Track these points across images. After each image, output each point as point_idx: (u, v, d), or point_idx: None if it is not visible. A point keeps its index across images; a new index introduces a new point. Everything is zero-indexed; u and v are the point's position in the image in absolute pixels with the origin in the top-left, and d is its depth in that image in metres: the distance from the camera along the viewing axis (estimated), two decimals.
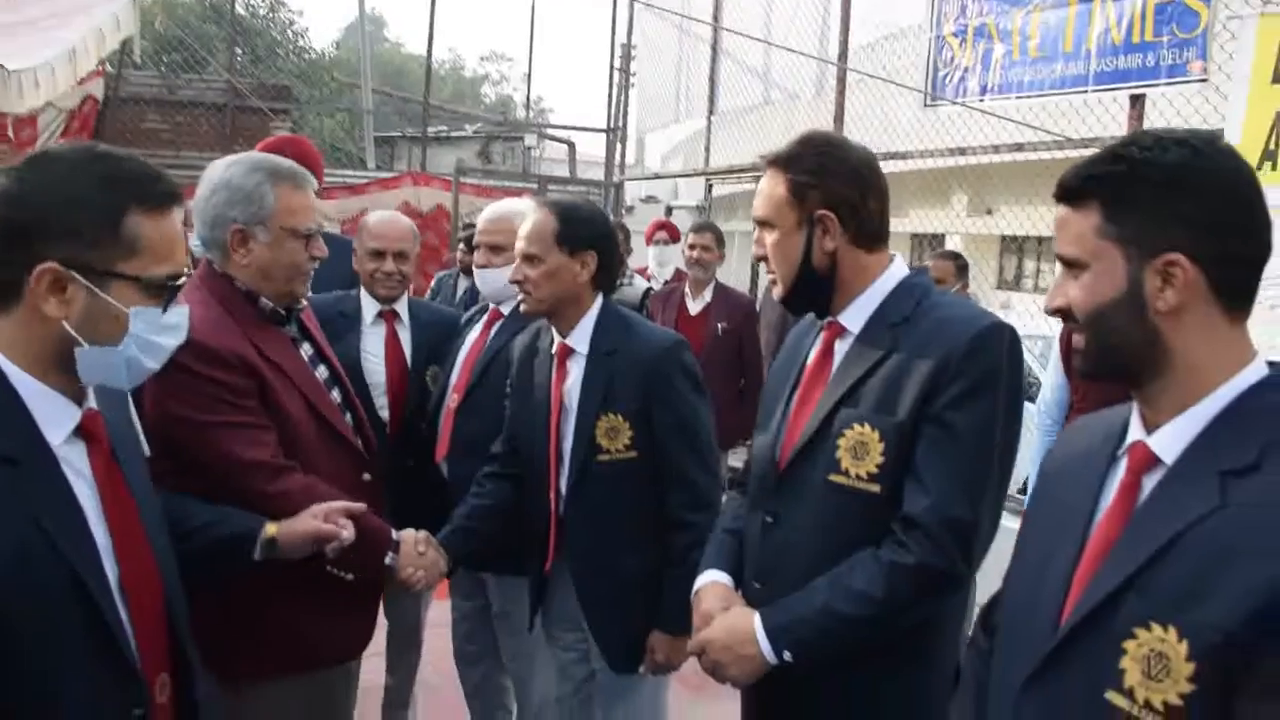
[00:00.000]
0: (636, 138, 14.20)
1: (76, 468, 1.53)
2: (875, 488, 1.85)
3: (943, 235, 20.35)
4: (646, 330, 2.75)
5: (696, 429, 2.63)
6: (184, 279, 1.61)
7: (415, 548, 2.51)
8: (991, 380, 1.81)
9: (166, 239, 1.55)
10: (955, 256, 5.50)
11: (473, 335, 3.24)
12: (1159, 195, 1.30)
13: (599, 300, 2.70)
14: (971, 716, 1.54)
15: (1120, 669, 1.25)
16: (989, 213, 17.23)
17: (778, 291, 2.03)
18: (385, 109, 21.06)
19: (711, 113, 9.83)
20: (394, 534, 2.47)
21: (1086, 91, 5.38)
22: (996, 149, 6.04)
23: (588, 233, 2.65)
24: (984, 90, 6.00)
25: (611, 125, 12.69)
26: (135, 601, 1.56)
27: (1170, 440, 1.31)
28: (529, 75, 17.55)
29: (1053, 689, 1.34)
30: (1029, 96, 5.72)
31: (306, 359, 2.48)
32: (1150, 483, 1.33)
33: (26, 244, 1.45)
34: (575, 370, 2.66)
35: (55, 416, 1.51)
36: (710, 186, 9.93)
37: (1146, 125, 5.14)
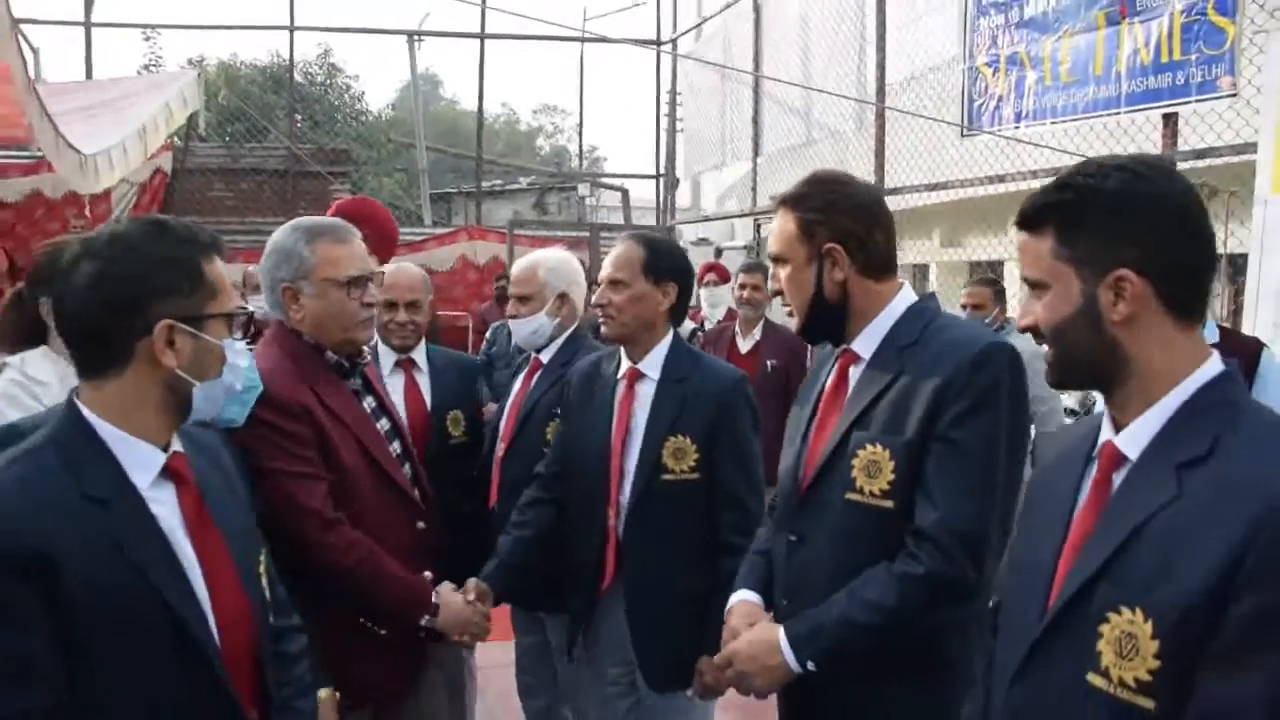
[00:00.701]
0: (692, 181, 14.40)
1: (167, 507, 1.66)
2: (889, 503, 1.96)
3: (1001, 262, 20.24)
4: (713, 363, 2.93)
5: (753, 459, 2.76)
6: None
7: (459, 601, 2.59)
8: (993, 397, 1.91)
9: (225, 277, 1.74)
10: (993, 282, 5.55)
11: (517, 385, 3.39)
12: (1104, 218, 1.42)
13: (671, 330, 2.87)
14: (980, 714, 1.63)
15: (1098, 652, 1.35)
16: None
17: (795, 323, 2.16)
18: (442, 166, 21.59)
19: (757, 154, 9.99)
20: (435, 595, 2.54)
21: (1119, 113, 5.42)
22: (1035, 174, 6.08)
23: (670, 265, 2.84)
24: (1019, 117, 6.07)
25: (660, 171, 12.93)
26: (225, 633, 1.67)
27: (1134, 438, 1.43)
28: (580, 125, 17.97)
29: (1040, 675, 1.44)
30: (1063, 121, 5.77)
31: (369, 411, 2.59)
32: (1119, 478, 1.44)
33: (142, 310, 1.62)
34: (644, 393, 2.80)
35: (141, 461, 1.65)
36: (759, 226, 10.06)
37: (1181, 143, 5.16)
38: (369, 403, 2.62)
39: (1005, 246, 15.46)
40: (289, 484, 2.34)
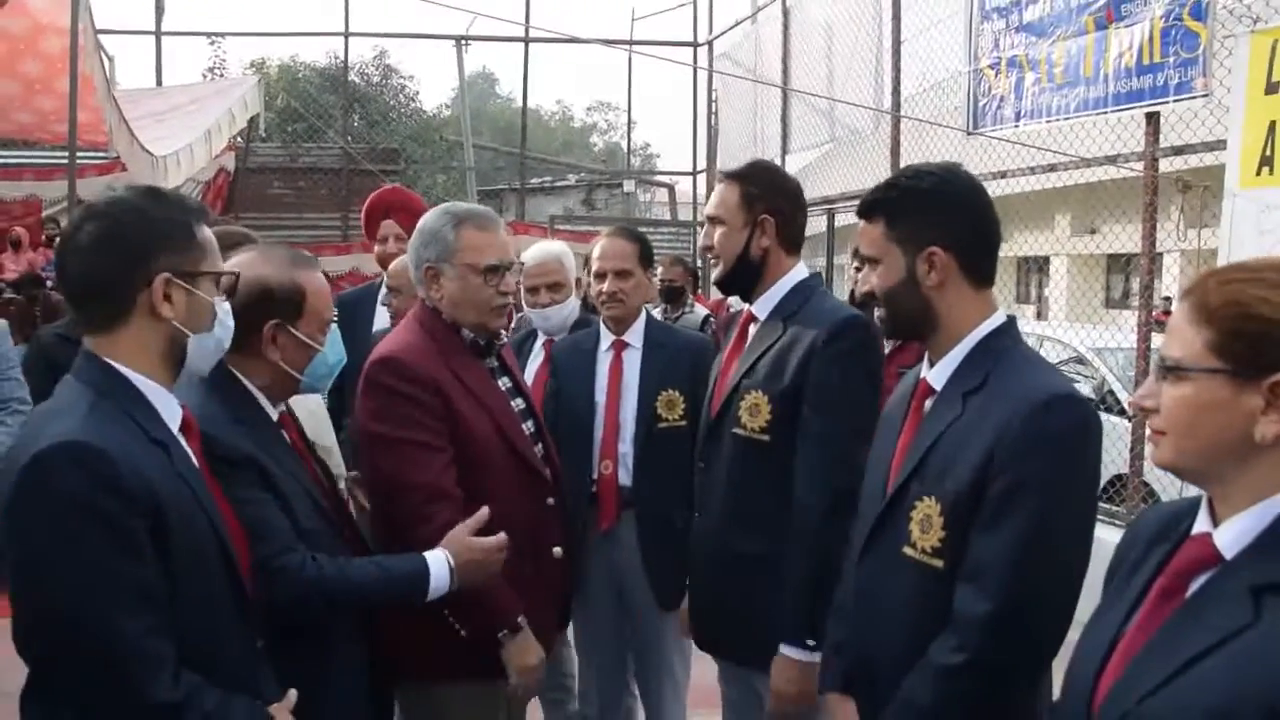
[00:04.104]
0: None
1: (189, 451, 1.82)
2: (766, 438, 2.48)
3: (1047, 258, 20.26)
4: (683, 331, 3.48)
5: None
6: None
7: (534, 649, 2.50)
8: (848, 358, 2.44)
9: (214, 241, 1.86)
10: None
11: (535, 365, 3.65)
12: (920, 209, 1.91)
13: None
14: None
15: (909, 530, 1.85)
16: (1093, 232, 17.20)
17: (718, 272, 2.63)
18: (498, 163, 22.22)
19: (785, 152, 10.39)
20: (523, 619, 2.47)
21: (1107, 112, 5.77)
22: (1032, 170, 6.44)
23: (651, 253, 3.35)
24: (1018, 116, 6.42)
25: (699, 168, 13.38)
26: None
27: (938, 375, 1.92)
28: (629, 123, 18.56)
29: (876, 551, 1.95)
30: (1057, 120, 6.12)
31: (504, 390, 2.66)
32: (929, 405, 1.93)
33: (145, 264, 1.73)
34: (631, 359, 3.26)
35: (170, 409, 1.79)
36: None
37: (1161, 140, 5.49)
38: (504, 382, 2.69)
39: (1052, 241, 15.53)
40: (398, 450, 2.41)
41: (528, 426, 2.68)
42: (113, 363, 1.74)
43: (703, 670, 3.12)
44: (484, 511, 2.30)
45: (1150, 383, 1.37)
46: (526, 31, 12.38)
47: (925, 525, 1.81)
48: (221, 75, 17.65)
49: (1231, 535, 1.29)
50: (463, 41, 12.93)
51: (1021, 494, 1.70)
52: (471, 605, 2.39)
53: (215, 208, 10.59)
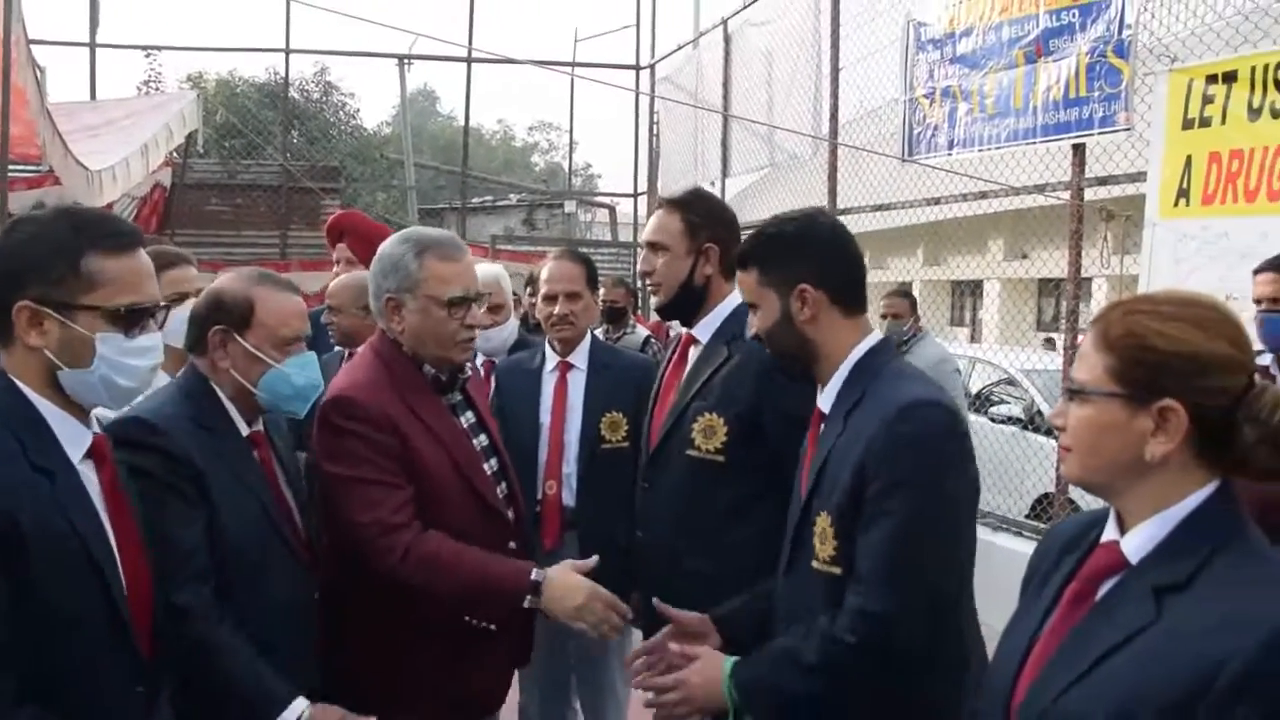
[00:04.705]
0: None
1: (91, 482, 1.76)
2: (721, 458, 2.52)
3: (980, 282, 20.70)
4: (627, 353, 3.55)
5: None
6: (151, 307, 1.80)
7: (573, 581, 2.37)
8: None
9: (126, 274, 1.76)
10: (906, 294, 6.16)
11: None
12: (786, 252, 2.07)
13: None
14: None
15: (814, 545, 1.98)
16: (1024, 257, 17.65)
17: (659, 299, 2.69)
18: (439, 182, 22.13)
19: (725, 175, 10.54)
20: (535, 573, 2.35)
21: (1035, 142, 5.97)
22: (965, 197, 6.63)
23: (596, 275, 3.42)
24: (951, 145, 6.61)
25: (640, 189, 13.48)
26: (133, 603, 1.78)
27: (826, 399, 2.06)
28: (570, 144, 18.67)
29: (792, 567, 2.09)
30: (989, 149, 6.32)
31: (466, 426, 2.56)
32: (822, 428, 2.07)
33: (12, 289, 1.69)
34: (576, 380, 3.32)
35: (73, 437, 1.75)
36: None
37: (1087, 171, 5.70)
38: (467, 417, 2.60)
39: (986, 265, 15.89)
40: (351, 489, 2.34)
41: (490, 465, 2.58)
42: (17, 382, 1.72)
43: None
44: None
45: (1061, 403, 1.49)
46: (469, 52, 12.40)
47: (823, 538, 1.96)
48: (158, 89, 17.37)
49: (1137, 542, 1.38)
50: (405, 61, 12.91)
51: (890, 496, 1.84)
52: (479, 599, 2.37)
53: (151, 224, 10.41)
